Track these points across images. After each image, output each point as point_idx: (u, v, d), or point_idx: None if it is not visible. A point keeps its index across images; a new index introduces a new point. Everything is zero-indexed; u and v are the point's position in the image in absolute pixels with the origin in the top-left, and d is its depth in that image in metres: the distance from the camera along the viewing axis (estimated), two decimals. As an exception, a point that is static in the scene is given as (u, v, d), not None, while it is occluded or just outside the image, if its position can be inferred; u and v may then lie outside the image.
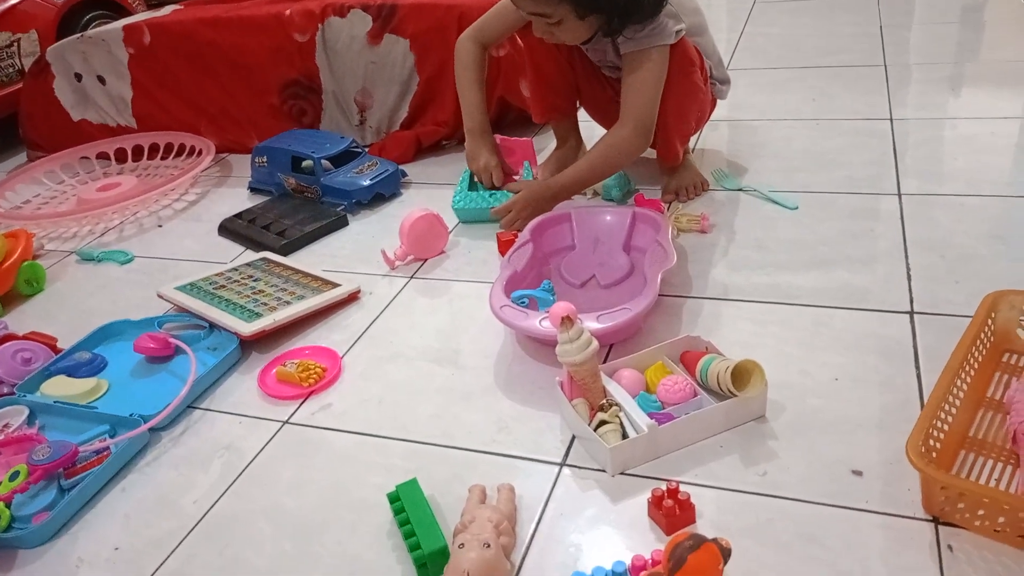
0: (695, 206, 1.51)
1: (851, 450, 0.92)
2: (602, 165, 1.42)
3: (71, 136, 2.23)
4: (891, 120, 1.77)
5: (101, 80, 2.20)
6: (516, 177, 1.59)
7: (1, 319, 1.41)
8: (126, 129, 2.21)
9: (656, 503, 0.85)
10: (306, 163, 1.78)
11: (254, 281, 1.41)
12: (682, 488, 0.85)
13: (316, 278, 1.40)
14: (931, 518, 0.82)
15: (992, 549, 0.78)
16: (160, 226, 1.79)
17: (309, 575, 0.86)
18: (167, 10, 2.23)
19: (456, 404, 1.08)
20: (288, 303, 1.31)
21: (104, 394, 1.20)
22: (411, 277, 1.41)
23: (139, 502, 1.00)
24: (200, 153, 1.98)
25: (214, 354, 1.24)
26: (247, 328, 1.23)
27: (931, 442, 0.85)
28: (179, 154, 2.08)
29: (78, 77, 2.22)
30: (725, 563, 0.70)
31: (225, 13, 2.04)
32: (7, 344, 1.26)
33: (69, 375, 1.23)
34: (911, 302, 1.16)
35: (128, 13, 2.70)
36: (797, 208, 1.45)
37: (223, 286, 1.40)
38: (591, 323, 1.05)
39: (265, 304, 1.31)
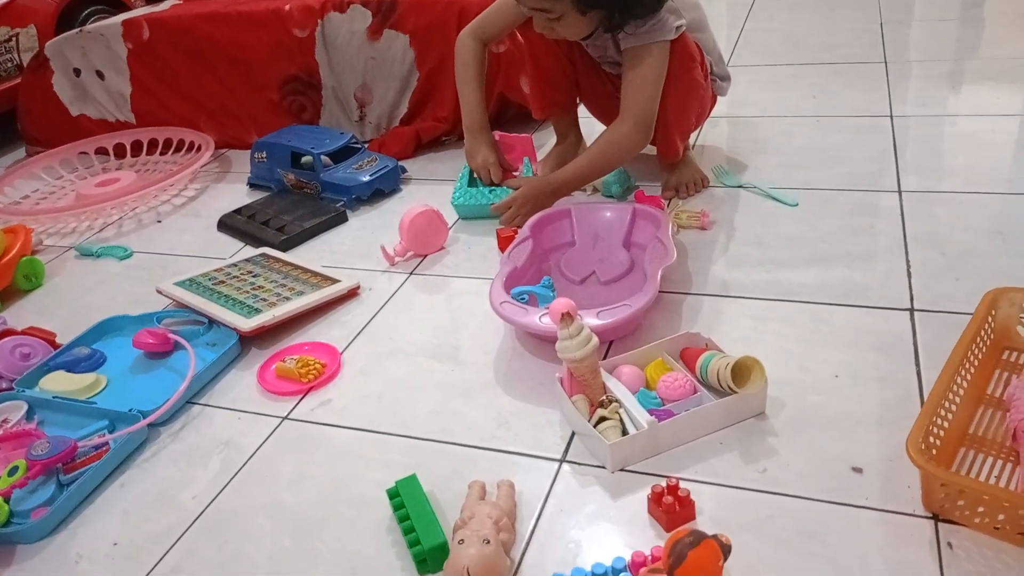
0: (695, 203, 1.51)
1: (851, 447, 0.92)
2: (602, 161, 1.42)
3: (70, 131, 2.22)
4: (891, 117, 1.77)
5: (100, 75, 2.19)
6: (516, 173, 1.58)
7: (0, 314, 1.41)
8: (125, 124, 2.21)
9: (656, 499, 0.85)
10: (305, 159, 1.78)
11: (253, 277, 1.41)
12: (682, 484, 0.85)
13: (315, 274, 1.40)
14: (931, 515, 0.82)
15: (992, 546, 0.78)
16: (159, 222, 1.78)
17: (308, 571, 0.86)
18: (166, 5, 2.23)
19: (456, 400, 1.08)
20: (287, 299, 1.31)
21: (103, 389, 1.20)
22: (411, 273, 1.41)
23: (138, 498, 1.00)
24: (199, 149, 1.98)
25: (213, 350, 1.23)
26: (246, 324, 1.23)
27: (931, 439, 0.85)
28: (178, 150, 2.07)
29: (77, 72, 2.21)
30: (725, 559, 0.70)
31: (224, 8, 2.04)
32: (6, 339, 1.26)
33: (68, 370, 1.23)
34: (911, 299, 1.16)
35: (127, 8, 2.69)
36: (797, 205, 1.45)
37: (222, 282, 1.40)
38: (591, 319, 1.05)
39: (264, 300, 1.31)
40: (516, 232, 1.35)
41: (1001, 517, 0.77)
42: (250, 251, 1.56)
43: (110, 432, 1.08)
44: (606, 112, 1.59)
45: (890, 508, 0.83)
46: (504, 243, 1.40)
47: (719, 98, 1.60)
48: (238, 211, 1.71)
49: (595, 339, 0.95)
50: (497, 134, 1.60)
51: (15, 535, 0.94)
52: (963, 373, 0.94)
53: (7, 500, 0.97)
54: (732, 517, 0.85)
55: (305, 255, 1.52)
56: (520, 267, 1.25)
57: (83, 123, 2.24)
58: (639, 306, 1.08)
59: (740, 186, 1.54)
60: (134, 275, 1.56)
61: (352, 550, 0.88)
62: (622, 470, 0.93)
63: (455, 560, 0.77)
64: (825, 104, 1.89)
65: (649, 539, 0.83)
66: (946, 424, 0.88)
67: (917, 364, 1.03)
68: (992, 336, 1.01)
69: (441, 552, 0.81)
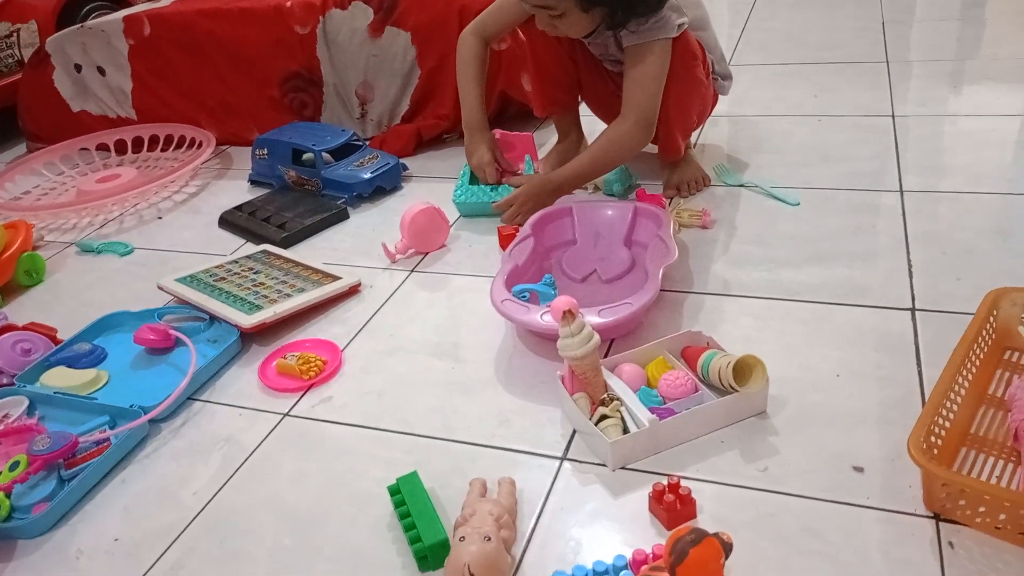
0: (696, 201, 1.51)
1: (852, 446, 0.92)
2: (603, 159, 1.41)
3: (70, 127, 2.22)
4: (893, 116, 1.77)
5: (101, 71, 2.19)
6: (517, 172, 1.58)
7: (1, 310, 1.41)
8: (126, 121, 2.21)
9: (657, 498, 0.85)
10: (307, 156, 1.78)
11: (254, 273, 1.41)
12: (683, 483, 0.85)
13: (316, 271, 1.40)
14: (932, 515, 0.82)
15: (993, 546, 0.78)
16: (160, 218, 1.78)
17: (309, 568, 0.86)
18: (167, 1, 2.22)
19: (457, 397, 1.08)
20: (288, 296, 1.31)
21: (104, 385, 1.20)
22: (412, 271, 1.41)
23: (139, 493, 1.00)
24: (200, 145, 1.98)
25: (214, 346, 1.23)
26: (247, 320, 1.23)
27: (932, 439, 0.85)
28: (179, 146, 2.07)
29: (78, 68, 2.21)
30: (726, 557, 0.70)
31: (225, 4, 2.03)
32: (7, 335, 1.26)
33: (69, 366, 1.23)
34: (912, 298, 1.16)
35: (128, 4, 2.68)
36: (799, 204, 1.45)
37: (223, 278, 1.39)
38: (592, 317, 1.05)
39: (265, 296, 1.31)
40: (517, 230, 1.35)
41: (1002, 517, 0.77)
42: (251, 248, 1.56)
43: (111, 428, 1.08)
44: (608, 110, 1.59)
45: (891, 507, 0.83)
46: (505, 241, 1.40)
47: (720, 97, 1.59)
48: (239, 208, 1.71)
49: (596, 337, 0.95)
50: (498, 132, 1.60)
51: (16, 530, 0.94)
52: (964, 373, 0.94)
53: (8, 495, 0.97)
54: (733, 515, 0.85)
55: (306, 252, 1.52)
56: (521, 265, 1.25)
57: (84, 119, 2.23)
58: (640, 304, 1.08)
59: (741, 185, 1.54)
60: (135, 271, 1.56)
61: (353, 547, 0.88)
62: (623, 468, 0.93)
63: (456, 557, 0.77)
64: (826, 103, 1.88)
65: (650, 537, 0.84)
66: (947, 424, 0.88)
67: (918, 363, 1.03)
68: (993, 336, 1.01)
69: (442, 549, 0.81)
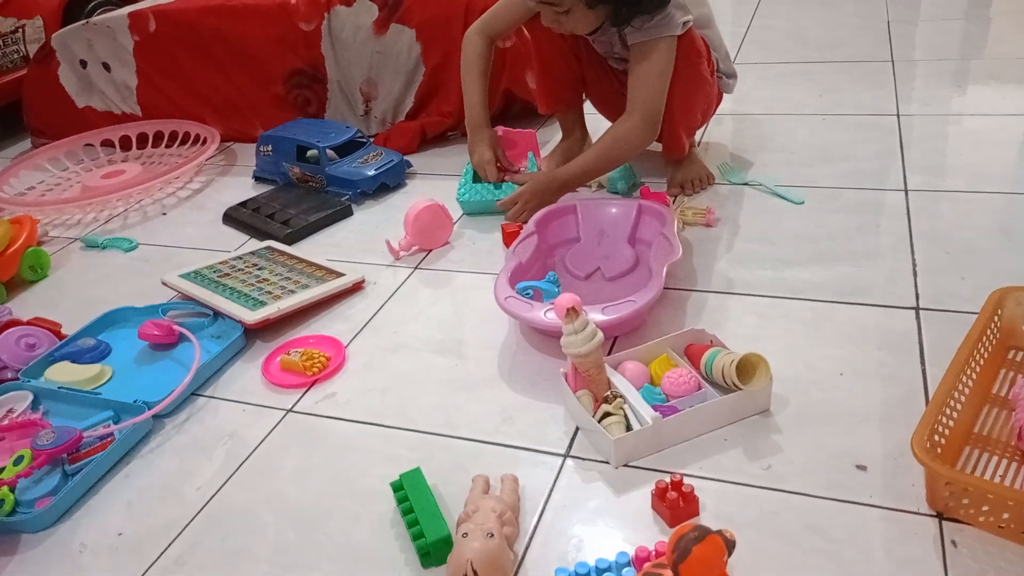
0: (701, 199, 1.51)
1: (855, 444, 0.92)
2: (608, 156, 1.41)
3: (75, 123, 2.22)
4: (897, 115, 1.77)
5: (106, 67, 2.19)
6: (521, 168, 1.58)
7: (5, 305, 1.42)
8: (131, 116, 2.21)
9: (660, 495, 0.85)
10: (311, 153, 1.78)
11: (258, 270, 1.41)
12: (686, 480, 0.85)
13: (320, 267, 1.40)
14: (935, 513, 0.82)
15: (996, 545, 0.78)
16: (164, 214, 1.79)
17: (312, 564, 0.86)
18: (172, -3, 2.23)
19: (460, 394, 1.08)
20: (292, 292, 1.31)
21: (108, 380, 1.20)
22: (415, 267, 1.41)
23: (142, 489, 1.00)
24: (205, 141, 1.98)
25: (218, 342, 1.24)
26: (251, 316, 1.23)
27: (936, 437, 0.85)
28: (184, 142, 2.07)
29: (83, 64, 2.22)
30: (729, 555, 0.69)
31: (230, 1, 2.03)
32: (11, 330, 1.26)
33: (73, 361, 1.23)
34: (916, 297, 1.16)
35: (133, 0, 2.69)
36: (803, 202, 1.45)
37: (227, 274, 1.40)
38: (596, 315, 1.05)
39: (269, 293, 1.31)
40: (521, 227, 1.35)
41: (1005, 516, 0.77)
42: (255, 244, 1.56)
43: (115, 423, 1.08)
44: (612, 108, 1.58)
45: (894, 506, 0.83)
46: (509, 238, 1.40)
47: (725, 95, 1.59)
48: (243, 204, 1.72)
49: (600, 335, 0.95)
50: (501, 129, 1.60)
51: (20, 524, 0.95)
52: (968, 372, 0.94)
53: (12, 489, 0.97)
54: (736, 513, 0.85)
55: (310, 249, 1.52)
56: (525, 262, 1.25)
57: (89, 115, 2.24)
58: (644, 302, 1.08)
59: (745, 183, 1.54)
60: (139, 267, 1.56)
61: (356, 543, 0.88)
62: (626, 465, 0.93)
63: (458, 553, 0.77)
64: (831, 102, 1.88)
65: (653, 535, 0.84)
66: (951, 423, 0.88)
67: (922, 362, 1.03)
68: (998, 335, 1.01)
69: (445, 545, 0.82)
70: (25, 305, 1.47)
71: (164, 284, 1.39)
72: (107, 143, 2.14)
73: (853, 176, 1.52)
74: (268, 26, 1.99)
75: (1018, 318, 1.02)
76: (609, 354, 1.07)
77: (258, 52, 2.02)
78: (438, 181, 1.75)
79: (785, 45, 2.32)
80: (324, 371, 1.15)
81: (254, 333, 1.26)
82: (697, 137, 1.72)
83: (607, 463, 0.93)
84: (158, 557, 0.90)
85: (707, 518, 0.85)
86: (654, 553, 0.78)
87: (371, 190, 1.69)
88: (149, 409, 1.08)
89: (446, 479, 0.93)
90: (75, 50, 2.20)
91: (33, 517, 0.95)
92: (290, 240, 1.55)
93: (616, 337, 1.14)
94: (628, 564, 0.78)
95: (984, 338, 0.98)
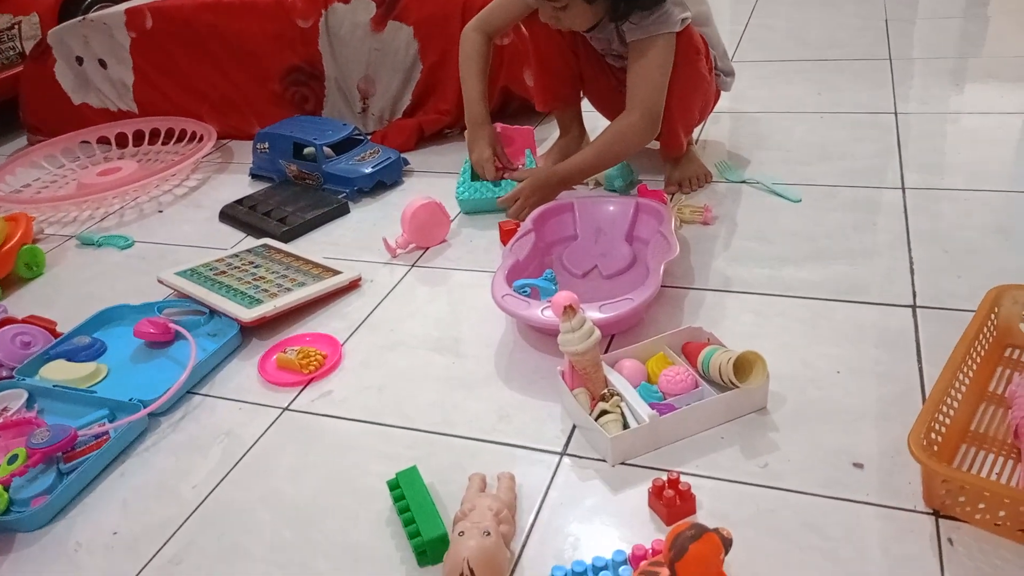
0: (698, 197, 1.51)
1: (852, 442, 0.92)
2: (608, 153, 1.41)
3: (72, 120, 2.22)
4: (895, 113, 1.77)
5: (102, 64, 2.19)
6: (519, 166, 1.58)
7: (0, 303, 1.41)
8: (127, 114, 2.20)
9: (656, 493, 0.85)
10: (308, 150, 1.77)
11: (255, 267, 1.41)
12: (683, 478, 0.85)
13: (317, 265, 1.40)
14: (932, 511, 0.82)
15: (992, 543, 0.78)
16: (161, 211, 1.78)
17: (308, 562, 0.86)
18: (169, -6, 2.22)
19: (457, 392, 1.08)
20: (289, 290, 1.31)
21: (103, 379, 1.20)
22: (412, 265, 1.41)
23: (138, 487, 1.00)
24: (201, 139, 1.98)
25: (214, 340, 1.23)
26: (247, 314, 1.23)
27: (933, 435, 0.85)
28: (180, 139, 2.07)
29: (79, 61, 2.21)
30: (726, 553, 0.69)
31: (227, -2, 2.03)
32: (6, 327, 1.26)
33: (68, 359, 1.22)
34: (913, 295, 1.16)
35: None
36: (800, 201, 1.45)
37: (223, 272, 1.39)
38: (593, 313, 1.05)
39: (266, 291, 1.31)
40: (519, 225, 1.35)
41: (1002, 514, 0.77)
42: (251, 242, 1.56)
43: (110, 421, 1.08)
44: (609, 106, 1.58)
45: (891, 503, 0.83)
46: (506, 236, 1.39)
47: (722, 93, 1.59)
48: (240, 202, 1.71)
49: (597, 332, 0.95)
50: (498, 126, 1.60)
51: (14, 523, 0.94)
52: (965, 370, 0.94)
53: (7, 488, 0.97)
54: (733, 511, 0.85)
55: (306, 246, 1.52)
56: (522, 260, 1.24)
57: (85, 112, 2.23)
58: (641, 300, 1.08)
59: (743, 181, 1.54)
60: (135, 265, 1.56)
61: (352, 541, 0.88)
62: (623, 464, 0.93)
63: (455, 552, 0.77)
64: (829, 100, 1.88)
65: (649, 533, 0.84)
66: (948, 421, 0.88)
67: (919, 360, 1.03)
68: (994, 333, 1.01)
69: (441, 544, 0.81)
70: (20, 303, 1.47)
71: (160, 282, 1.39)
72: (103, 140, 2.13)
73: (851, 174, 1.52)
74: (265, 23, 1.99)
75: (1015, 316, 1.02)
76: (606, 352, 1.07)
77: (255, 49, 2.02)
78: (435, 179, 1.74)
79: (783, 43, 2.31)
80: (320, 369, 1.15)
81: (250, 331, 1.26)
82: (695, 135, 1.72)
83: (604, 461, 0.93)
84: (154, 555, 0.89)
85: (704, 516, 0.85)
86: (651, 551, 0.78)
87: (368, 188, 1.69)
88: (145, 407, 1.07)
89: (443, 477, 0.93)
90: (71, 47, 2.20)
91: (28, 516, 0.94)
92: (287, 238, 1.55)
93: (613, 335, 1.14)
94: (625, 562, 0.78)
95: (981, 336, 0.98)
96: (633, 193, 1.50)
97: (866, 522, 0.82)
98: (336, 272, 1.36)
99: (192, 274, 1.38)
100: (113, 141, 2.12)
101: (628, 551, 0.78)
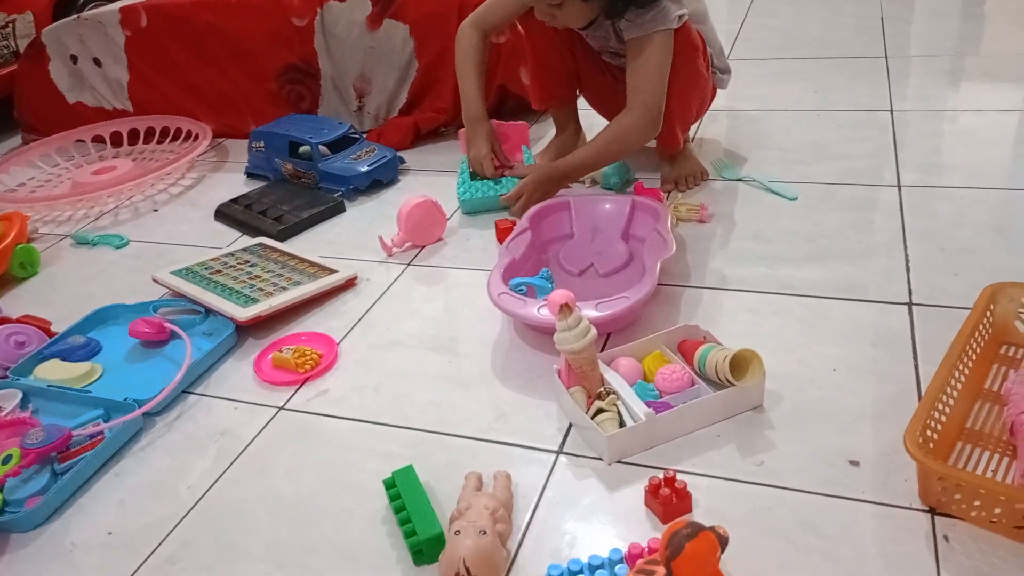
0: (695, 196, 1.50)
1: (848, 440, 0.92)
2: (609, 150, 1.41)
3: (66, 119, 2.21)
4: (891, 112, 1.77)
5: (97, 62, 2.18)
6: (514, 164, 1.57)
7: (-5, 302, 1.41)
8: (122, 112, 2.20)
9: (653, 492, 0.85)
10: (303, 149, 1.77)
11: (250, 266, 1.40)
12: (679, 477, 0.85)
13: (313, 264, 1.39)
14: (928, 508, 0.82)
15: (988, 540, 0.78)
16: (156, 210, 1.78)
17: (304, 561, 0.86)
18: (164, -8, 2.21)
19: (453, 391, 1.08)
20: (285, 289, 1.30)
21: (98, 378, 1.19)
22: (408, 264, 1.41)
23: (133, 487, 0.99)
24: (197, 137, 1.97)
25: (209, 339, 1.23)
26: (243, 313, 1.23)
27: (929, 433, 0.85)
28: (175, 138, 2.06)
29: (74, 59, 2.20)
30: (722, 551, 0.69)
31: (222, -4, 2.02)
32: (0, 327, 1.25)
33: (63, 359, 1.22)
34: (910, 293, 1.16)
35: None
36: (797, 199, 1.45)
37: (219, 271, 1.39)
38: (589, 311, 1.05)
39: (261, 290, 1.31)
40: (515, 223, 1.35)
41: (997, 511, 0.77)
42: (247, 241, 1.55)
43: (105, 421, 1.08)
44: (606, 104, 1.58)
45: (887, 501, 0.83)
46: (502, 234, 1.39)
47: (719, 91, 1.59)
48: (235, 200, 1.71)
49: (593, 331, 0.94)
50: (492, 123, 1.59)
51: (9, 524, 0.94)
52: (961, 368, 0.94)
53: (1, 489, 0.97)
54: (729, 509, 0.85)
55: (302, 245, 1.51)
56: (518, 259, 1.24)
57: (80, 111, 2.22)
58: (637, 298, 1.08)
59: (739, 179, 1.54)
60: (130, 264, 1.55)
61: (348, 541, 0.87)
62: (619, 462, 0.93)
63: (451, 551, 0.77)
64: (825, 99, 1.88)
65: (646, 531, 0.83)
66: (944, 418, 0.88)
67: (915, 358, 1.03)
68: (990, 331, 1.01)
69: (437, 543, 0.81)
70: (15, 302, 1.46)
71: (155, 281, 1.39)
72: (98, 139, 2.12)
73: (847, 173, 1.52)
74: (261, 21, 1.98)
75: (1010, 314, 1.02)
76: (602, 350, 1.07)
77: (251, 47, 2.01)
78: (431, 177, 1.74)
79: (779, 42, 2.32)
80: (316, 368, 1.15)
81: (246, 330, 1.25)
82: (691, 133, 1.72)
83: (600, 460, 0.93)
84: (150, 555, 0.89)
85: (700, 514, 0.85)
86: (647, 550, 0.78)
87: (364, 186, 1.69)
88: (140, 407, 1.07)
89: (439, 476, 0.93)
90: (66, 45, 2.19)
91: (23, 516, 0.94)
92: (282, 237, 1.54)
93: (609, 333, 1.14)
94: (621, 561, 0.78)
95: (976, 334, 0.98)
96: (629, 191, 1.50)
97: (862, 520, 0.82)
98: (332, 271, 1.36)
99: (187, 273, 1.38)
100: (108, 140, 2.11)
101: (624, 549, 0.78)
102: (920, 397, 0.96)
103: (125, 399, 1.09)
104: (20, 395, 1.15)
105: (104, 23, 2.13)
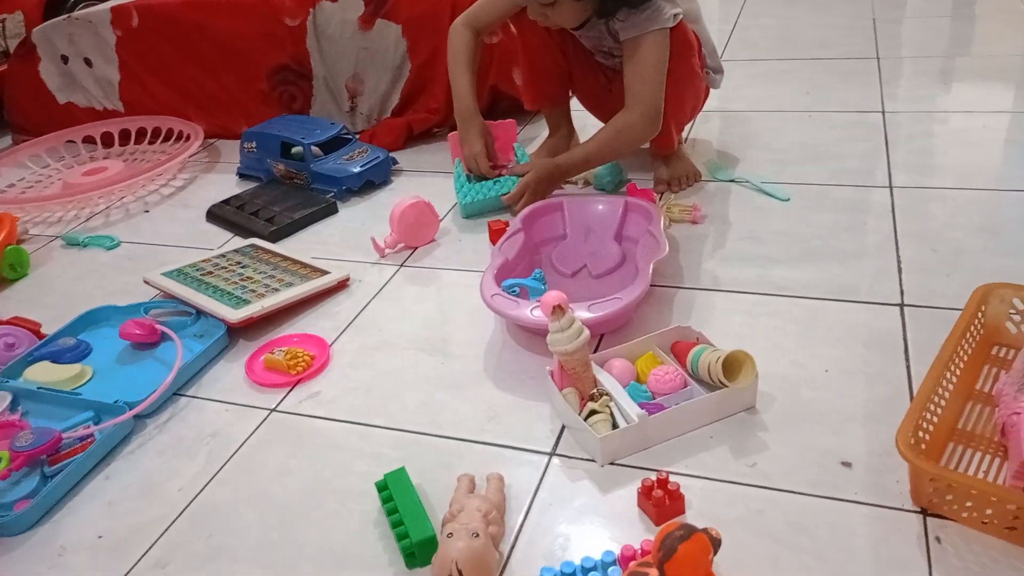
0: (687, 197, 1.51)
1: (841, 441, 0.92)
2: (608, 148, 1.40)
3: (57, 119, 2.20)
4: (883, 113, 1.77)
5: (88, 63, 2.17)
6: (508, 162, 1.57)
7: (-16, 304, 1.40)
8: (113, 113, 2.19)
9: (646, 493, 0.85)
10: (296, 149, 1.76)
11: (242, 268, 1.40)
12: (672, 478, 0.85)
13: (305, 265, 1.39)
14: (919, 509, 0.82)
15: (979, 541, 0.78)
16: (147, 211, 1.77)
17: (295, 564, 0.85)
18: (155, -8, 2.20)
19: (445, 393, 1.08)
20: (276, 290, 1.30)
21: (89, 380, 1.19)
22: (401, 265, 1.40)
23: (123, 489, 0.99)
24: (188, 138, 1.96)
25: (201, 341, 1.22)
26: (234, 315, 1.22)
27: (920, 434, 0.85)
28: (167, 139, 2.05)
29: (64, 59, 2.19)
30: (715, 553, 0.69)
31: (214, -4, 2.02)
32: (-10, 329, 1.24)
33: (53, 361, 1.21)
34: (901, 295, 1.16)
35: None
36: (789, 200, 1.45)
37: (210, 272, 1.38)
38: (582, 312, 1.05)
39: (253, 291, 1.30)
40: (508, 224, 1.35)
41: (989, 512, 0.78)
42: (239, 242, 1.55)
43: (95, 423, 1.07)
44: (599, 104, 1.58)
45: (879, 502, 0.84)
46: (495, 235, 1.39)
47: (711, 92, 1.59)
48: (227, 201, 1.70)
49: (586, 332, 0.94)
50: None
51: (-2, 527, 0.93)
52: (952, 369, 0.94)
53: (-10, 491, 0.96)
54: (722, 511, 0.85)
55: (294, 246, 1.51)
56: (511, 260, 1.24)
57: (70, 111, 2.21)
58: (630, 299, 1.08)
59: (732, 180, 1.54)
60: (121, 265, 1.55)
61: (340, 543, 0.87)
62: (612, 464, 0.92)
63: (444, 553, 0.77)
64: (817, 100, 1.89)
65: (639, 533, 0.83)
66: (935, 419, 0.88)
67: (907, 359, 1.03)
68: (981, 332, 1.02)
69: (430, 545, 0.81)
70: (4, 304, 1.45)
71: (146, 282, 1.38)
72: (89, 139, 2.11)
73: (839, 174, 1.53)
74: (253, 21, 1.97)
75: (1002, 315, 1.02)
76: (595, 352, 1.07)
77: (243, 47, 2.00)
78: (424, 178, 1.74)
79: (772, 43, 2.32)
80: (308, 370, 1.14)
81: (237, 332, 1.25)
82: (684, 134, 1.72)
83: (593, 461, 0.93)
84: (140, 558, 0.89)
85: (693, 516, 0.85)
86: (640, 552, 0.78)
87: (356, 187, 1.68)
88: (130, 409, 1.06)
89: (431, 478, 0.92)
90: (57, 45, 2.18)
91: (12, 520, 0.93)
92: (274, 238, 1.54)
93: (602, 335, 1.14)
94: (614, 563, 0.78)
95: (968, 335, 0.98)
96: (622, 192, 1.50)
97: (854, 521, 0.82)
98: (324, 272, 1.35)
99: (179, 274, 1.37)
100: (99, 140, 2.10)
101: (617, 551, 0.78)
102: (912, 398, 0.96)
103: (116, 401, 1.08)
104: (10, 397, 1.14)
105: (95, 23, 2.12)
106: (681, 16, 1.33)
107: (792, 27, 2.42)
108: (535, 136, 1.81)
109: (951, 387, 0.93)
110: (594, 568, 0.77)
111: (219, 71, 2.05)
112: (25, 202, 1.82)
